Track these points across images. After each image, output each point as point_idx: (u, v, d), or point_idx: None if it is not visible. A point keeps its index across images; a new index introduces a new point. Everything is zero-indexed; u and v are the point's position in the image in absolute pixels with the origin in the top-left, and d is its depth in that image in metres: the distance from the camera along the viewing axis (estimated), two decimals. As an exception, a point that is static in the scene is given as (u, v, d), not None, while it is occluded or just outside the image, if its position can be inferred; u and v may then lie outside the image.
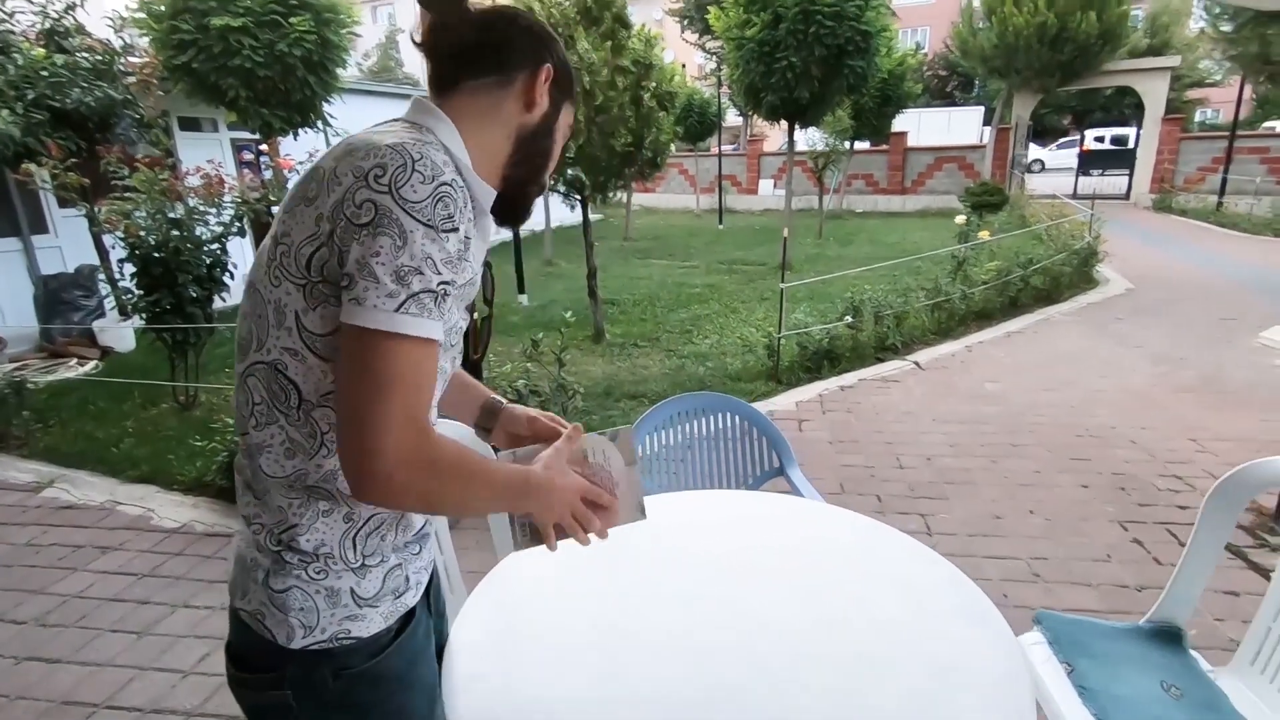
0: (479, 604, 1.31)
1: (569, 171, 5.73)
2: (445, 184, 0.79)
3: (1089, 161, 20.34)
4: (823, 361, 5.20)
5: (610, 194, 6.15)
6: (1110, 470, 3.47)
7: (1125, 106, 26.35)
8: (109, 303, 7.37)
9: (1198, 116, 30.37)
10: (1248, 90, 16.13)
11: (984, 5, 17.04)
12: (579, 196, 5.95)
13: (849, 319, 5.45)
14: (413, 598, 0.98)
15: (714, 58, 23.34)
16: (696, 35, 24.91)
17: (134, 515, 3.36)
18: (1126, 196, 16.75)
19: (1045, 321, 6.52)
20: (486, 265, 0.96)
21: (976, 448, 3.82)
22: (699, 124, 18.69)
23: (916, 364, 5.32)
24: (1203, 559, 1.58)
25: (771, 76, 8.55)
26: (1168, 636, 1.60)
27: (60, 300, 7.07)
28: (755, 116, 11.89)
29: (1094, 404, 4.41)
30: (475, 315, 0.83)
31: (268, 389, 0.85)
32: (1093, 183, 18.62)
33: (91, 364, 6.53)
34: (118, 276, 4.55)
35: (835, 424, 4.23)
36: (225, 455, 3.37)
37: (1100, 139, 23.14)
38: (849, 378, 5.05)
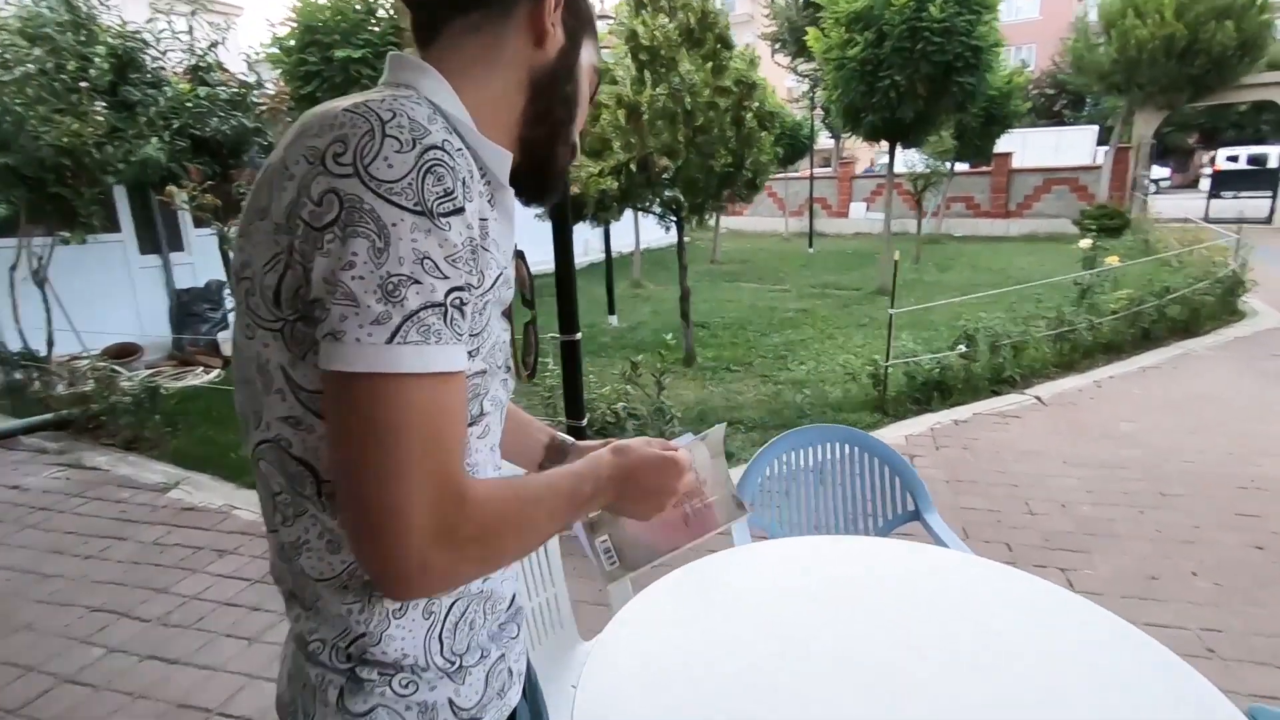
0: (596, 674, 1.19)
1: (666, 192, 5.70)
2: (434, 147, 0.57)
3: (1221, 183, 18.69)
4: (932, 393, 4.88)
5: (706, 215, 6.06)
6: (1287, 530, 3.03)
7: (1262, 123, 24.19)
8: (232, 315, 7.92)
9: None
10: None
11: (1101, 19, 16.05)
12: (675, 218, 5.89)
13: (962, 348, 5.10)
14: (516, 694, 0.80)
15: (805, 80, 23.07)
16: (788, 59, 24.71)
17: (248, 520, 3.49)
18: (1269, 220, 15.22)
19: (1184, 356, 5.90)
20: (519, 255, 0.79)
21: (1118, 495, 3.43)
22: (789, 147, 18.46)
23: (1038, 399, 4.90)
24: None
25: (873, 96, 8.30)
26: None
27: (190, 312, 7.65)
28: (847, 139, 11.59)
29: (1254, 451, 3.90)
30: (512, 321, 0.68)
31: (284, 474, 0.65)
32: (1226, 205, 17.07)
33: (215, 372, 6.98)
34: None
35: (950, 461, 3.92)
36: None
37: (1234, 158, 21.23)
38: (962, 411, 4.70)
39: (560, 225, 3.06)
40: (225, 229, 6.22)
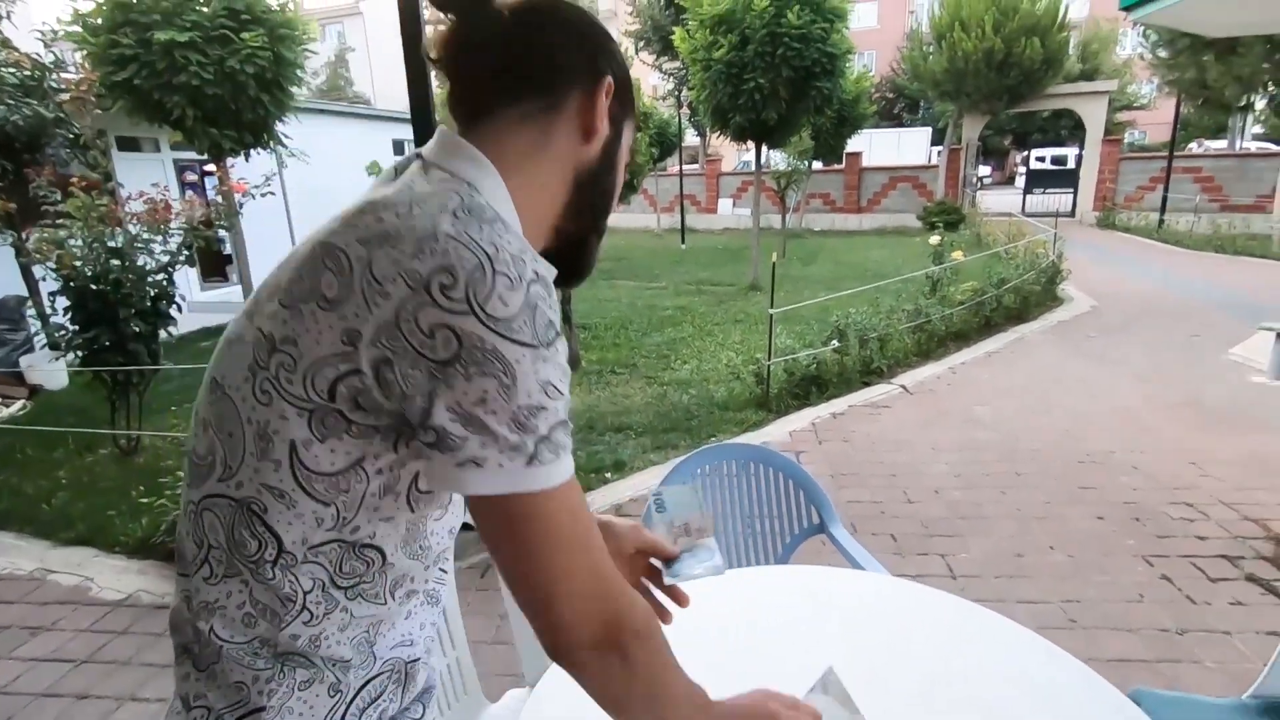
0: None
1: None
2: (535, 281, 0.59)
3: (1033, 180, 21.10)
4: (810, 388, 5.07)
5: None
6: (1120, 499, 3.39)
7: (1062, 128, 27.55)
8: (39, 337, 6.81)
9: (1128, 137, 31.98)
10: (1183, 109, 16.96)
11: (933, 31, 17.58)
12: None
13: (835, 343, 5.34)
14: None
15: (671, 79, 23.50)
16: (653, 56, 25.05)
17: (69, 586, 2.97)
18: (1072, 214, 17.36)
19: (1020, 341, 6.55)
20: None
21: (981, 478, 3.71)
22: (659, 144, 18.70)
23: (904, 388, 5.24)
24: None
25: (739, 98, 8.52)
26: (1277, 713, 1.45)
27: (-18, 335, 6.48)
28: (712, 136, 11.93)
29: (1087, 427, 4.37)
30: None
31: (230, 534, 0.63)
32: (1038, 200, 19.30)
33: (18, 404, 5.97)
34: (50, 311, 4.12)
35: (833, 455, 4.08)
36: (178, 511, 3.01)
37: (1041, 159, 24.08)
38: (839, 404, 4.92)
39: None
40: (24, 237, 5.31)
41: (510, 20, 0.69)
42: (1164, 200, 14.85)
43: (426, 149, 0.69)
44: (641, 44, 25.29)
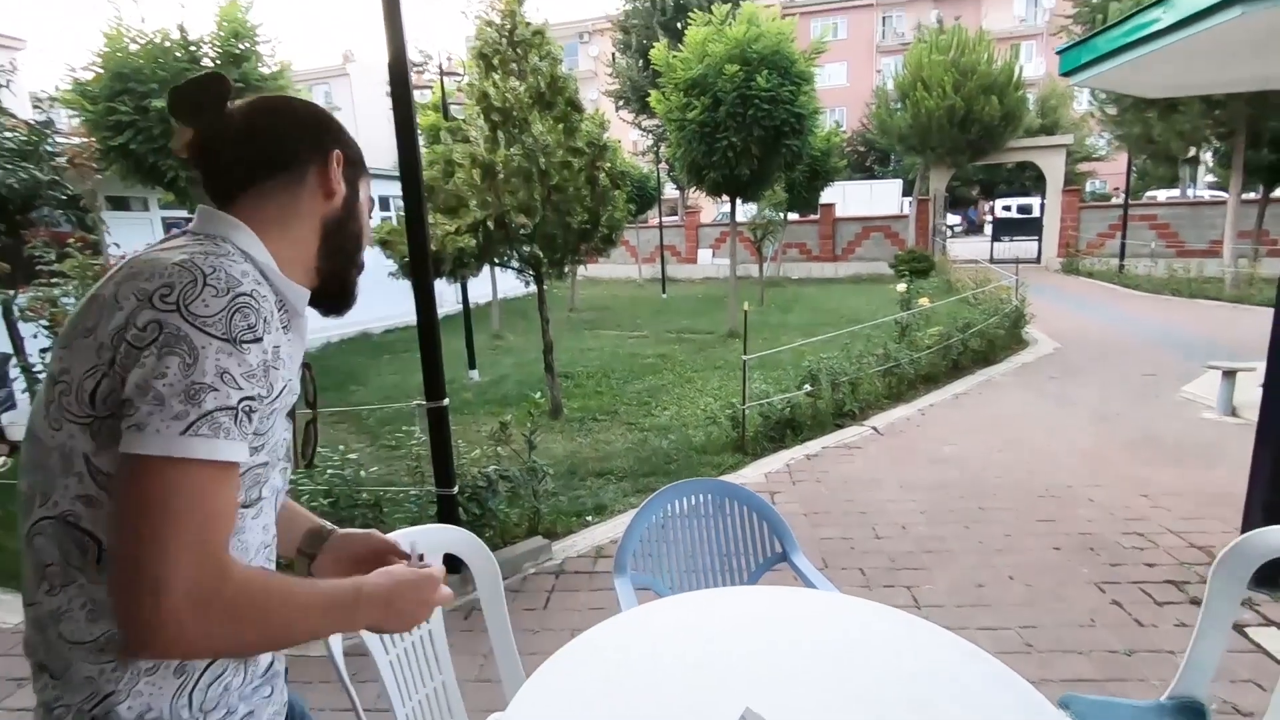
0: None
1: (525, 248, 5.75)
2: (243, 294, 0.74)
3: (1000, 229, 21.91)
4: (785, 431, 5.24)
5: (566, 270, 6.18)
6: (1076, 530, 3.56)
7: (1026, 179, 28.72)
8: (22, 394, 6.83)
9: (1089, 187, 33.37)
10: (1134, 162, 17.86)
11: (897, 89, 18.49)
12: (534, 273, 5.95)
13: (808, 387, 5.54)
14: None
15: (650, 135, 24.32)
16: (632, 115, 25.98)
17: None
18: (1038, 260, 18.02)
19: (987, 383, 6.81)
20: (306, 367, 0.94)
21: (946, 514, 3.87)
22: (638, 197, 19.28)
23: (875, 429, 5.43)
24: (1215, 632, 1.60)
25: (713, 155, 8.95)
26: (1191, 713, 1.59)
27: (-35, 392, 6.50)
28: (692, 189, 12.40)
29: (1047, 464, 4.57)
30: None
31: (60, 548, 0.74)
32: (1005, 248, 20.03)
33: (0, 460, 5.96)
34: (38, 367, 4.22)
35: (806, 495, 4.23)
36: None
37: (1008, 208, 25.03)
38: (813, 445, 5.09)
39: (422, 287, 3.00)
40: (14, 295, 5.41)
41: (243, 121, 0.88)
42: (1122, 247, 15.53)
43: (192, 224, 0.87)
44: (621, 103, 26.26)
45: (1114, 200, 21.60)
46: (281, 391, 0.82)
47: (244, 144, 0.88)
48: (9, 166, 5.82)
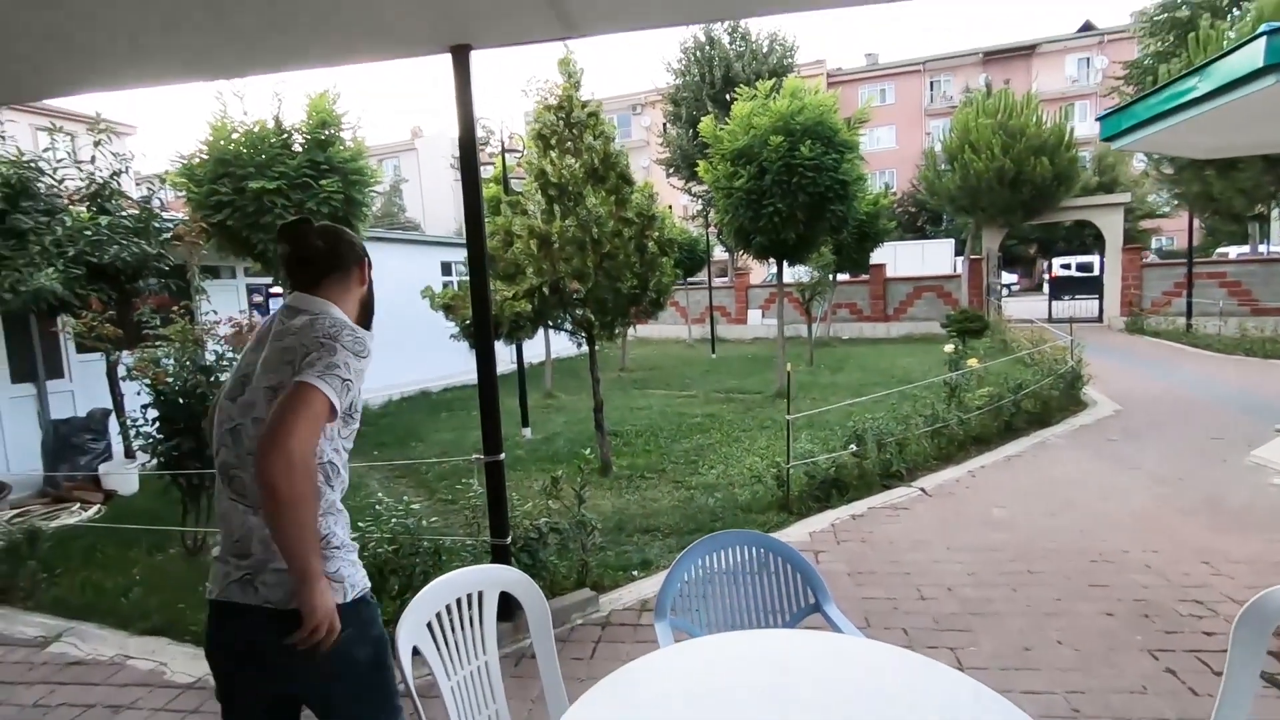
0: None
1: (578, 312, 6.07)
2: (351, 331, 1.57)
3: (1059, 287, 21.44)
4: (831, 490, 5.27)
5: (616, 332, 6.46)
6: (1131, 597, 3.49)
7: (1086, 236, 28.18)
8: (117, 445, 7.43)
9: (1154, 244, 32.43)
10: (1197, 220, 17.41)
11: (945, 151, 18.67)
12: (586, 335, 6.25)
13: (854, 447, 5.58)
14: (366, 579, 1.61)
15: (699, 200, 25.04)
16: (683, 181, 26.87)
17: (146, 670, 3.27)
18: (1100, 319, 17.53)
19: (1042, 445, 6.68)
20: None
21: (994, 576, 3.83)
22: (689, 260, 19.76)
23: (923, 490, 5.40)
24: (1240, 690, 1.63)
25: (759, 221, 9.25)
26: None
27: (70, 444, 7.12)
28: (740, 253, 12.77)
29: (1103, 528, 4.47)
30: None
31: None
32: (1065, 307, 19.57)
33: (95, 508, 6.47)
34: (139, 420, 4.66)
35: (851, 555, 4.24)
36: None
37: (1066, 266, 24.53)
38: (859, 506, 5.10)
39: (484, 349, 3.27)
40: (117, 356, 6.00)
41: (323, 243, 1.65)
42: (1189, 305, 15.00)
43: (290, 302, 1.63)
44: (671, 170, 27.22)
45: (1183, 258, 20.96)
46: (360, 386, 1.54)
47: (324, 257, 1.66)
48: (124, 242, 6.53)
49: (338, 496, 1.55)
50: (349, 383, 1.46)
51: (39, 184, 6.62)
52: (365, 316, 1.74)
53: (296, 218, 1.68)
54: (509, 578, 1.91)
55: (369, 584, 1.58)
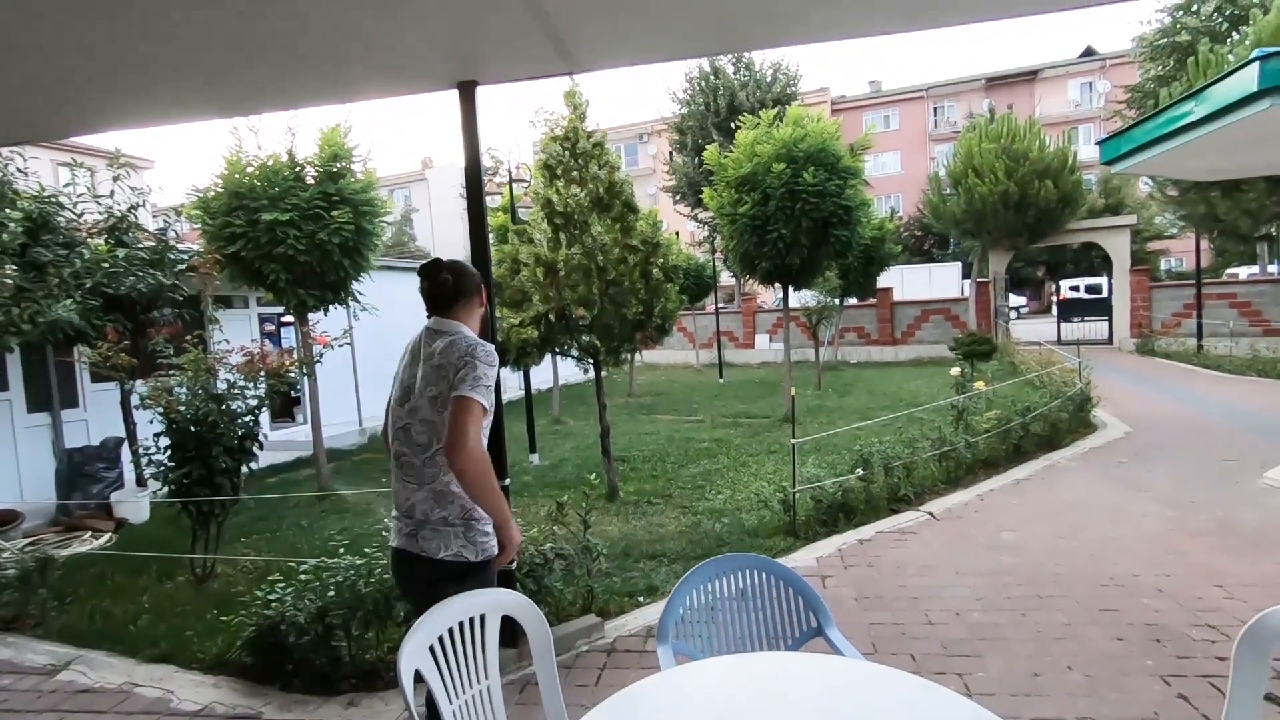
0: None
1: (584, 338, 6.13)
2: (482, 346, 2.05)
3: (1067, 309, 21.38)
4: (838, 515, 5.25)
5: (622, 357, 6.51)
6: (1142, 621, 3.45)
7: (1094, 258, 28.15)
8: (129, 474, 7.51)
9: (1163, 265, 32.31)
10: (1205, 241, 17.39)
11: (950, 176, 18.81)
12: (592, 361, 6.30)
13: (860, 471, 5.57)
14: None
15: (705, 226, 25.25)
16: (689, 208, 27.13)
17: (153, 698, 3.28)
18: (1109, 341, 17.45)
19: (1051, 468, 6.63)
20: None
21: (1003, 601, 3.80)
22: (695, 286, 19.87)
23: (931, 515, 5.37)
24: (1243, 713, 1.62)
25: (764, 246, 9.33)
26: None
27: (82, 473, 7.20)
28: (746, 278, 12.86)
29: (1113, 551, 4.43)
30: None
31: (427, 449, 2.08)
32: (1074, 329, 19.49)
33: (105, 537, 6.52)
34: (150, 448, 4.72)
35: (859, 580, 4.22)
36: (252, 629, 3.35)
37: (1075, 288, 24.48)
38: (866, 530, 5.07)
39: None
40: (131, 385, 6.08)
41: (452, 277, 2.14)
42: (1199, 326, 14.92)
43: (431, 325, 2.15)
44: (678, 197, 27.49)
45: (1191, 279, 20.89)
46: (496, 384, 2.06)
47: (455, 289, 2.14)
48: (139, 273, 6.67)
49: None
50: (489, 388, 1.96)
51: (59, 218, 6.80)
52: (488, 331, 2.35)
53: (431, 259, 2.17)
54: (511, 601, 1.93)
55: (496, 551, 2.08)
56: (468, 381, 1.92)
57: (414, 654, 1.64)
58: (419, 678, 1.65)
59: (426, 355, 2.06)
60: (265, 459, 8.38)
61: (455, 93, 3.15)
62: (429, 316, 2.16)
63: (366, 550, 3.54)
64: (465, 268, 2.16)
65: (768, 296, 28.60)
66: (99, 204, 7.13)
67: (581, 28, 2.57)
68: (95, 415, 8.02)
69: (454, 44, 2.67)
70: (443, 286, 2.11)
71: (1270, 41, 9.11)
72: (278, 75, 2.85)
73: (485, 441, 2.01)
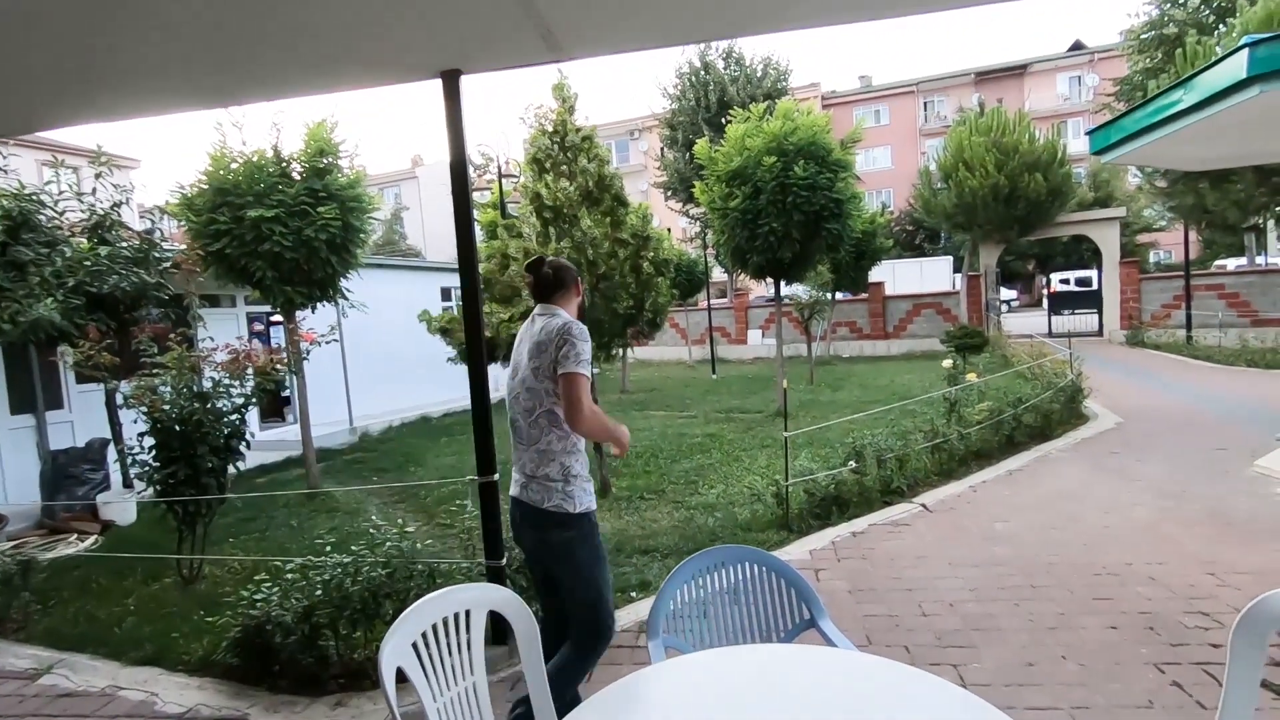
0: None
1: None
2: (578, 327, 2.33)
3: (1058, 302, 21.46)
4: (831, 508, 5.23)
5: (614, 353, 6.46)
6: (1135, 609, 3.44)
7: (1085, 251, 28.30)
8: (115, 475, 7.41)
9: (1152, 258, 32.52)
10: (1193, 232, 17.49)
11: (940, 169, 18.84)
12: (584, 356, 6.25)
13: (852, 464, 5.55)
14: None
15: (697, 222, 25.23)
16: (680, 204, 27.09)
17: (137, 701, 3.23)
18: (1100, 333, 17.52)
19: (1043, 458, 6.63)
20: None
21: (997, 591, 3.78)
22: (687, 281, 19.85)
23: (924, 506, 5.35)
24: (1240, 700, 1.60)
25: (755, 240, 9.29)
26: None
27: (68, 475, 7.11)
28: (738, 273, 12.85)
29: (1106, 541, 4.42)
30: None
31: (549, 420, 2.32)
32: (1065, 321, 19.57)
33: (91, 539, 6.44)
34: (135, 449, 4.65)
35: (852, 572, 4.19)
36: (238, 630, 3.29)
37: (1065, 281, 24.59)
38: (859, 523, 5.06)
39: (476, 370, 3.28)
40: (115, 385, 5.99)
41: (553, 272, 2.47)
42: (1188, 317, 15.00)
43: (537, 313, 2.47)
44: (669, 193, 27.44)
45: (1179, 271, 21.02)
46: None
47: (555, 281, 2.45)
48: (123, 272, 6.58)
49: (580, 441, 2.36)
50: (587, 360, 2.27)
51: (40, 216, 6.69)
52: (583, 315, 2.63)
53: (535, 257, 2.51)
54: (497, 597, 1.89)
55: (595, 507, 2.37)
56: (570, 359, 2.22)
57: (396, 650, 1.60)
58: (402, 677, 1.61)
59: (532, 335, 2.38)
60: (254, 459, 8.32)
61: (439, 83, 3.09)
62: (535, 304, 2.50)
63: (354, 549, 3.49)
64: (564, 263, 2.52)
65: (760, 292, 28.61)
66: (81, 202, 7.02)
67: (568, 14, 2.52)
68: (81, 416, 7.92)
69: (436, 31, 2.62)
70: (544, 279, 2.44)
71: (1257, 32, 9.13)
72: (254, 64, 2.79)
73: (592, 400, 2.33)
